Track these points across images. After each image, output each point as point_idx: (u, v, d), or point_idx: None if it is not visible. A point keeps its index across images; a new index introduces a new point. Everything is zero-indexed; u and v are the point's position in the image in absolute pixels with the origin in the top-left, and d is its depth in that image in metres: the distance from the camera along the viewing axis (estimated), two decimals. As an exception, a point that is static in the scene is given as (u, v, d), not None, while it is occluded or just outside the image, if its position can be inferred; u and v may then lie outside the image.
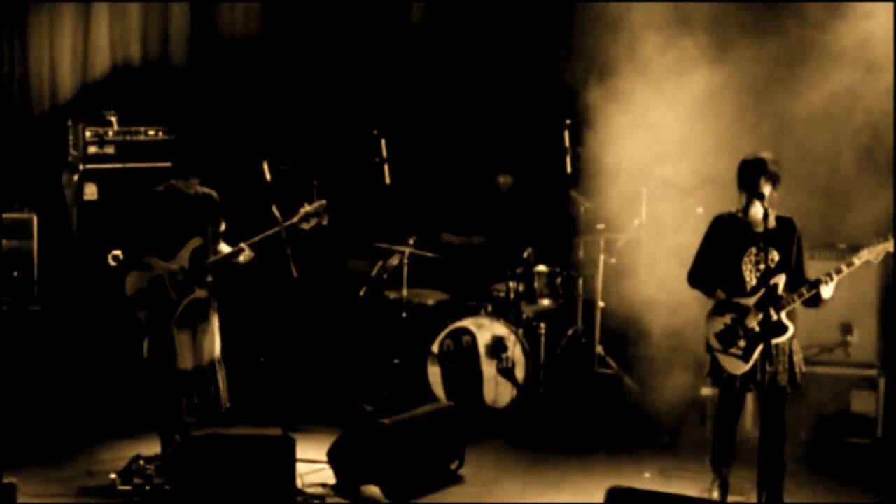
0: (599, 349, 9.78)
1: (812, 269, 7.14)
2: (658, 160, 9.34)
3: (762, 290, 6.99)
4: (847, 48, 8.71)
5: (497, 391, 9.35)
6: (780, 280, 6.97)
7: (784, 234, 7.03)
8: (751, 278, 7.04)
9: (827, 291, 6.92)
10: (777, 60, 9.10)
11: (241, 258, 7.78)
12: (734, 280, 7.07)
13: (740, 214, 7.10)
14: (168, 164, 7.98)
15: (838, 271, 6.91)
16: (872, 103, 8.70)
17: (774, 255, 7.00)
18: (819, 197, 8.74)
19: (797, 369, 7.02)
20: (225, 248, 7.90)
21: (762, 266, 7.01)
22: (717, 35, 9.09)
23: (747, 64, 9.09)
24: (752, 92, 9.13)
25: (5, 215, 9.30)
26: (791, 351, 7.02)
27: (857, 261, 6.94)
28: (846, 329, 8.63)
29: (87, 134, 9.55)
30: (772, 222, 6.97)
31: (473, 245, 9.93)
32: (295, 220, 7.83)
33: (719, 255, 7.14)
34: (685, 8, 9.16)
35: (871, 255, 6.95)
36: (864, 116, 8.74)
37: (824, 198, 8.80)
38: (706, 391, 8.47)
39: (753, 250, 7.04)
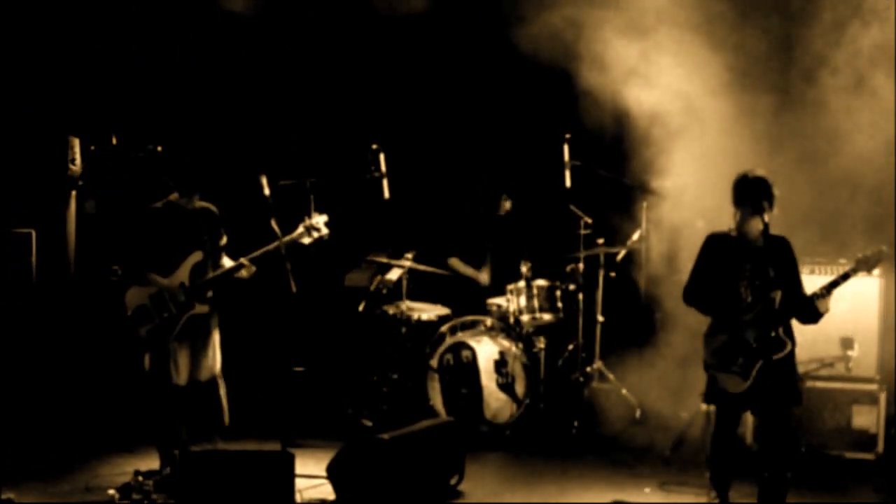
0: (599, 364, 9.77)
1: (813, 283, 7.12)
2: (658, 174, 9.34)
3: (758, 307, 6.97)
4: (855, 64, 8.74)
5: (497, 406, 9.33)
6: (776, 296, 6.96)
7: (778, 251, 7.02)
8: (746, 295, 7.03)
9: (823, 306, 6.91)
10: (781, 73, 9.11)
11: (243, 273, 7.78)
12: (730, 297, 7.06)
13: (734, 232, 7.09)
14: (167, 180, 7.97)
15: (833, 284, 6.89)
16: (878, 117, 8.70)
17: (770, 272, 6.98)
18: (822, 211, 8.74)
19: (798, 385, 7.00)
20: (227, 262, 7.90)
21: (758, 282, 6.99)
22: (720, 42, 9.08)
23: (747, 73, 9.10)
24: (756, 103, 9.11)
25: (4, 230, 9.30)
26: (791, 366, 7.00)
27: (851, 273, 6.93)
28: (847, 343, 8.61)
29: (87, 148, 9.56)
30: (766, 239, 6.96)
31: (479, 283, 9.98)
32: (295, 234, 7.84)
33: (714, 272, 7.12)
34: (692, 13, 9.16)
35: (865, 266, 6.94)
36: (869, 132, 8.73)
37: (828, 212, 8.80)
38: (706, 406, 8.44)
39: (748, 267, 7.02)
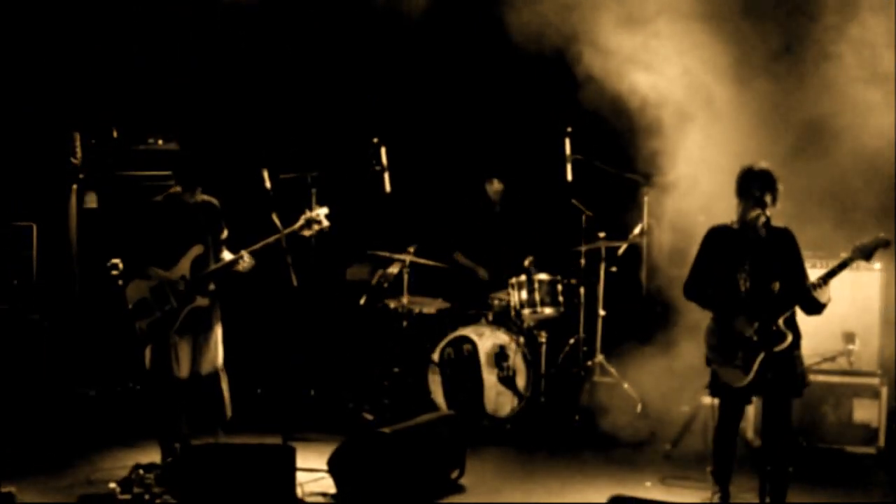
0: (600, 358, 9.76)
1: (814, 276, 7.09)
2: (661, 167, 9.32)
3: (758, 300, 6.96)
4: (860, 57, 8.71)
5: (498, 400, 9.34)
6: (776, 288, 6.94)
7: (779, 244, 7.00)
8: (746, 288, 7.02)
9: (823, 296, 6.88)
10: (785, 69, 9.08)
11: (242, 266, 7.77)
12: (730, 290, 7.04)
13: (735, 225, 7.08)
14: (168, 173, 7.97)
15: (831, 274, 6.87)
16: (881, 111, 8.67)
17: (770, 265, 6.97)
18: (824, 204, 8.72)
19: (800, 378, 6.99)
20: (228, 255, 7.90)
21: (758, 276, 6.98)
22: (724, 30, 9.04)
23: (753, 61, 9.07)
24: (762, 92, 9.08)
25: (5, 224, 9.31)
26: (793, 359, 6.98)
27: (849, 262, 6.90)
28: (849, 338, 8.61)
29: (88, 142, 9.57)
30: (769, 232, 6.94)
31: (478, 275, 9.98)
32: (296, 226, 7.83)
33: (715, 266, 7.10)
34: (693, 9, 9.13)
35: (863, 255, 6.91)
36: (872, 125, 8.70)
37: (830, 205, 8.78)
38: (707, 399, 8.44)
39: (749, 260, 7.01)
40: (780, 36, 9.04)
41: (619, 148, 9.71)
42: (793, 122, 8.93)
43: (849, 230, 8.52)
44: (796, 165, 8.43)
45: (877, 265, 8.57)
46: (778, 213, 7.02)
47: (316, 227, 7.88)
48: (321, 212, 7.92)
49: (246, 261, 7.78)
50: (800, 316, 7.03)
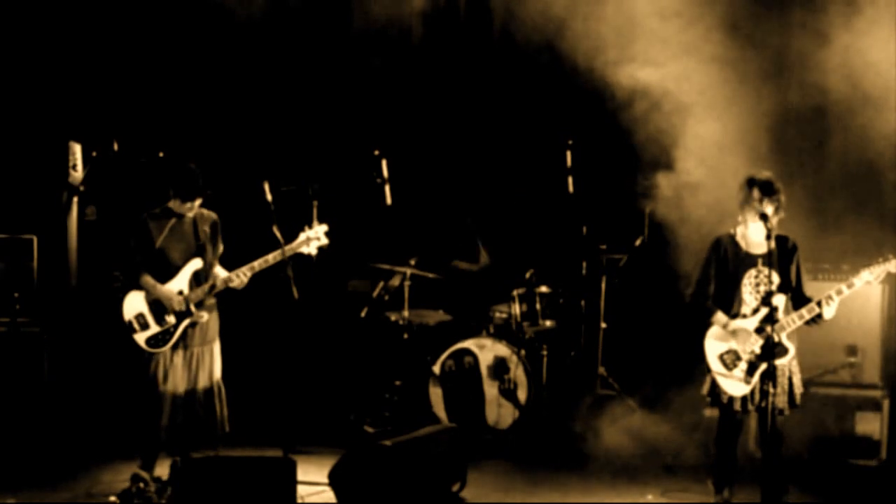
0: (602, 370, 9.75)
1: (816, 289, 7.11)
2: (662, 178, 9.31)
3: (763, 312, 6.96)
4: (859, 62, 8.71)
5: (499, 412, 9.32)
6: (781, 301, 6.95)
7: (783, 254, 7.01)
8: (751, 300, 7.02)
9: (828, 312, 6.92)
10: (787, 77, 9.08)
11: (234, 283, 7.70)
12: (734, 302, 7.05)
13: (739, 234, 7.08)
14: (168, 185, 7.95)
15: (839, 292, 6.91)
16: (882, 125, 8.67)
17: (774, 276, 6.98)
18: (824, 217, 8.72)
19: (796, 390, 7.01)
20: (220, 272, 7.82)
21: (762, 287, 6.99)
22: (728, 36, 9.04)
23: (755, 76, 9.08)
24: (762, 109, 9.08)
25: (5, 236, 9.29)
26: (790, 372, 7.01)
27: (857, 281, 6.94)
28: (851, 350, 8.61)
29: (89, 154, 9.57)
30: (771, 243, 6.94)
31: (482, 268, 9.95)
32: (295, 244, 7.76)
33: (719, 277, 7.11)
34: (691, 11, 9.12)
35: (871, 275, 6.94)
36: (872, 140, 8.70)
37: (830, 218, 8.78)
38: (708, 412, 8.43)
39: (753, 272, 7.03)
40: (788, 35, 9.05)
41: (621, 157, 9.70)
42: (799, 124, 8.94)
43: (855, 238, 8.56)
44: (799, 169, 8.46)
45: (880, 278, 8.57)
46: (783, 221, 7.02)
47: (315, 244, 7.84)
48: (320, 230, 7.88)
49: (240, 279, 7.70)
50: (801, 327, 7.04)
